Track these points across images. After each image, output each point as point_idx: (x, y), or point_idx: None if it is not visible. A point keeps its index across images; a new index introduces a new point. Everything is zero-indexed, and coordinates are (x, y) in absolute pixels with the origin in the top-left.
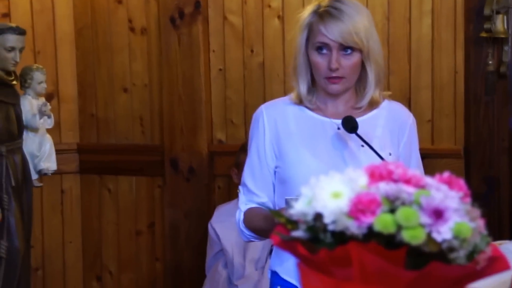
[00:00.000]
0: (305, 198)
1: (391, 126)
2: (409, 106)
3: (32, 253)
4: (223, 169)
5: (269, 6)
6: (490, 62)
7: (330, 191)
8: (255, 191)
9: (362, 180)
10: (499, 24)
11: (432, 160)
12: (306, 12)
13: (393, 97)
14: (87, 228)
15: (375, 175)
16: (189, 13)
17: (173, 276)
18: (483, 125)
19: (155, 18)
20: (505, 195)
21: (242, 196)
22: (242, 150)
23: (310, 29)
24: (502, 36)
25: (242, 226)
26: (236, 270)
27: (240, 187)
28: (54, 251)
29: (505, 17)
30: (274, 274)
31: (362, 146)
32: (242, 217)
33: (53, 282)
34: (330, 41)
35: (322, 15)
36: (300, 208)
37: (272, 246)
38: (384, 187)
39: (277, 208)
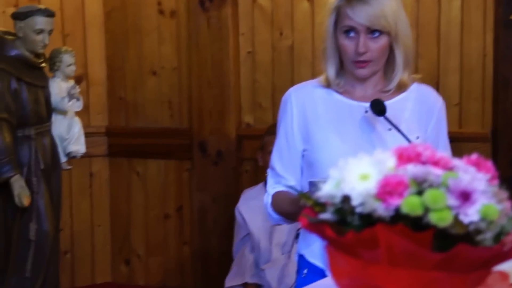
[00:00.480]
0: (333, 180)
1: (419, 109)
2: (437, 89)
3: (61, 236)
4: (251, 152)
5: None
6: None
7: (358, 173)
8: (283, 174)
9: (390, 162)
10: None
11: (459, 144)
12: None
13: (421, 80)
14: (116, 212)
15: (403, 157)
16: None
17: (201, 260)
18: (511, 109)
19: (184, 0)
20: None
21: (270, 179)
22: (267, 133)
23: (338, 13)
24: None
25: (270, 209)
26: (262, 254)
27: (268, 170)
28: (82, 235)
29: None
30: (301, 257)
31: (390, 129)
32: (270, 200)
33: (82, 265)
34: (357, 24)
35: None
36: (328, 190)
37: (298, 230)
38: (412, 169)
39: (304, 191)
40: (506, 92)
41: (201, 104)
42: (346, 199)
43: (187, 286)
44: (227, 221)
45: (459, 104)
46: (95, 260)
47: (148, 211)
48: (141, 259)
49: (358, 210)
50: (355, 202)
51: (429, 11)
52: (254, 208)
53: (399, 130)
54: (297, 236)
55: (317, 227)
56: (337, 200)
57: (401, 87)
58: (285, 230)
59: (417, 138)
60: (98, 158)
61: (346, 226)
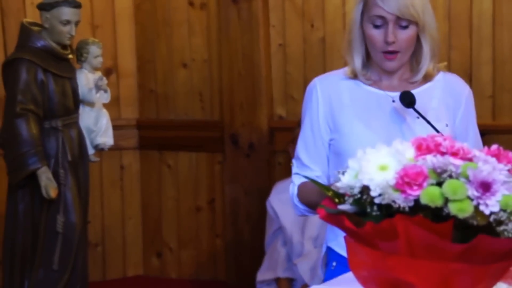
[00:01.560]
0: (352, 171)
1: (447, 98)
2: (470, 81)
3: (92, 229)
4: (283, 145)
5: None
6: None
7: (376, 164)
8: (308, 164)
9: (409, 152)
10: None
11: (493, 136)
12: None
13: (454, 72)
14: (147, 204)
15: (422, 148)
16: None
17: (234, 253)
18: None
19: None
20: None
21: (295, 170)
22: (298, 125)
23: (365, 2)
24: None
25: (296, 200)
26: (295, 247)
27: (294, 161)
28: (113, 227)
29: None
30: (330, 249)
31: (418, 117)
32: (295, 191)
33: (113, 258)
34: (387, 14)
35: None
36: (347, 181)
37: None
38: (431, 160)
39: (331, 180)
40: None
41: (232, 96)
42: (365, 189)
43: (219, 279)
44: (259, 214)
45: (492, 96)
46: (126, 253)
47: (179, 203)
48: (173, 252)
49: (377, 200)
50: (374, 193)
51: (461, 3)
52: (285, 202)
53: (428, 121)
54: None
55: (335, 218)
56: (356, 191)
57: (427, 77)
58: (317, 223)
59: (446, 126)
60: (128, 150)
61: (365, 217)
